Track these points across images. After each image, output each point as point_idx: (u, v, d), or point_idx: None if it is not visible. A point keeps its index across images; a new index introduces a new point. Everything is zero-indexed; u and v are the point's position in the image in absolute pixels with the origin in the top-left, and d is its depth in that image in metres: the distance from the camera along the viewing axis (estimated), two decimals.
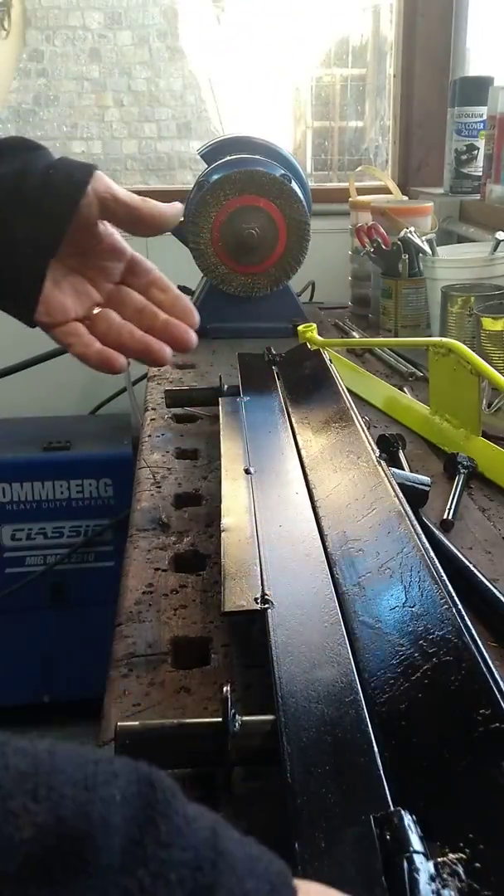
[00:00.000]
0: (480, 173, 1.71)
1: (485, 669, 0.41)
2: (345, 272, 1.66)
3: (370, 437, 0.74)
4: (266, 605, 0.54)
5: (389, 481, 0.64)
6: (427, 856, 0.31)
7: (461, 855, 0.32)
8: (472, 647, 0.43)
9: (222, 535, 0.64)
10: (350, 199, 1.67)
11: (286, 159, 1.45)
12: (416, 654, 0.45)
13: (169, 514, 0.78)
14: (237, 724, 0.43)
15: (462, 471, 0.83)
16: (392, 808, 0.35)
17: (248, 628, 0.58)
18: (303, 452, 0.77)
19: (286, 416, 0.86)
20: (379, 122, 2.33)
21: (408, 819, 0.33)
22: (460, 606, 0.47)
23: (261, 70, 2.27)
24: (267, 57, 2.26)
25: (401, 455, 0.86)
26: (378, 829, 0.34)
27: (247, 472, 0.75)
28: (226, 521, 0.66)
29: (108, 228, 0.59)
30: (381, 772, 0.38)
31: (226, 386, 0.99)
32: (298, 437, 0.81)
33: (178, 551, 0.71)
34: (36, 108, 4.03)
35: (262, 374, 1.01)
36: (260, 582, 0.56)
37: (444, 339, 0.94)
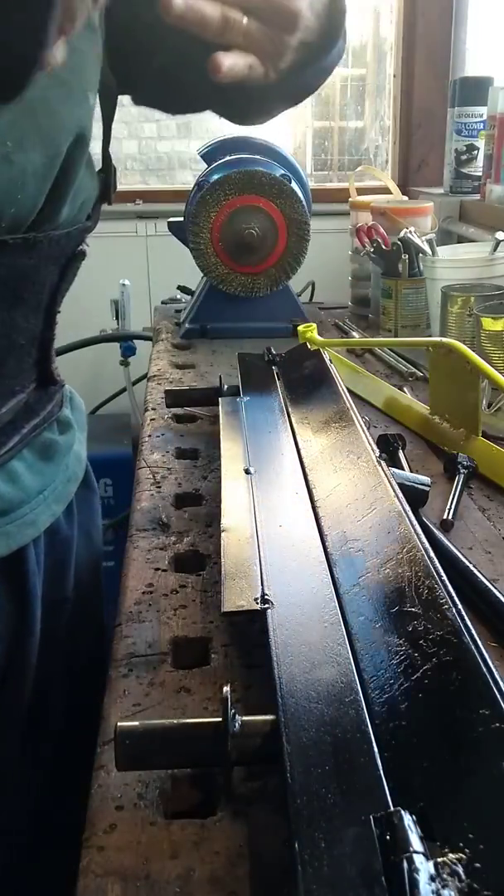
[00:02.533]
0: (480, 173, 1.71)
1: (485, 669, 0.41)
2: (345, 272, 1.66)
3: (370, 437, 0.74)
4: (266, 605, 0.54)
5: (389, 481, 0.64)
6: (427, 856, 0.31)
7: (461, 855, 0.32)
8: (472, 647, 0.43)
9: (222, 535, 0.64)
10: (350, 200, 1.67)
11: (286, 159, 1.45)
12: (416, 654, 0.45)
13: (169, 514, 0.78)
14: (237, 724, 0.43)
15: (462, 471, 0.83)
16: (392, 808, 0.35)
17: (248, 628, 0.58)
18: (303, 452, 0.77)
19: (286, 416, 0.86)
20: (379, 122, 2.33)
21: (408, 819, 0.33)
22: (460, 606, 0.47)
23: None
24: None
25: (401, 455, 0.86)
26: (378, 829, 0.34)
27: (247, 472, 0.75)
28: (226, 521, 0.66)
29: None
30: (381, 772, 0.38)
31: (226, 386, 0.99)
32: (298, 437, 0.81)
33: (178, 551, 0.71)
34: None
35: (262, 374, 1.01)
36: (260, 582, 0.56)
37: (444, 339, 0.94)
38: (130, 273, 2.15)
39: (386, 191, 1.81)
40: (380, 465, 0.67)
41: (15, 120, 0.52)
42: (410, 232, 1.34)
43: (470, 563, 0.66)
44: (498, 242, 1.24)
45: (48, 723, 0.72)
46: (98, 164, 0.69)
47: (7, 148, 0.51)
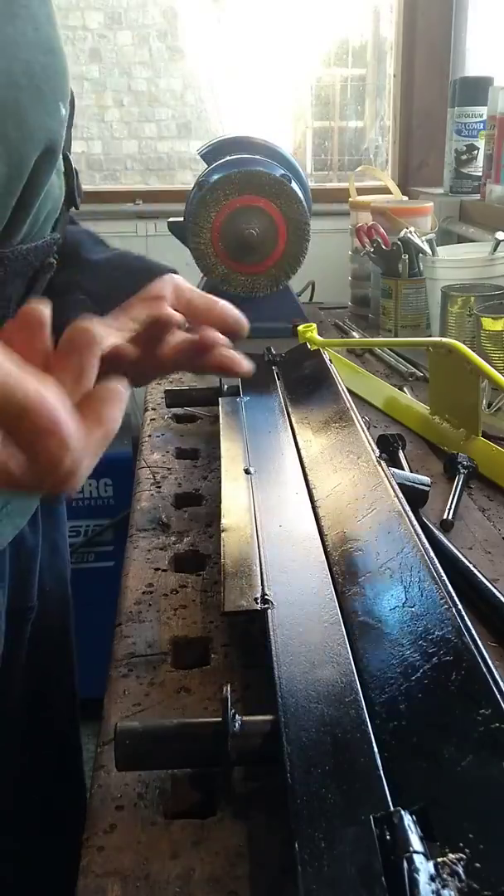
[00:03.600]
0: (480, 173, 1.71)
1: (485, 669, 0.41)
2: (345, 272, 1.66)
3: (370, 437, 0.74)
4: (266, 605, 0.54)
5: (389, 481, 0.64)
6: (427, 856, 0.31)
7: (461, 855, 0.32)
8: (472, 647, 0.43)
9: (222, 535, 0.64)
10: (350, 199, 1.67)
11: (286, 159, 1.45)
12: (416, 654, 0.45)
13: (169, 514, 0.78)
14: (237, 724, 0.43)
15: (462, 471, 0.83)
16: (392, 808, 0.35)
17: (248, 628, 0.58)
18: (303, 452, 0.77)
19: (286, 416, 0.86)
20: (379, 122, 2.33)
21: (408, 819, 0.33)
22: (460, 606, 0.47)
23: (261, 70, 2.27)
24: (267, 57, 2.26)
25: (401, 455, 0.86)
26: (378, 829, 0.34)
27: (247, 472, 0.75)
28: (226, 521, 0.66)
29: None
30: (381, 772, 0.38)
31: (226, 386, 0.99)
32: (298, 437, 0.81)
33: (178, 551, 0.71)
34: None
35: (262, 374, 1.01)
36: (260, 582, 0.56)
37: (444, 339, 0.94)
38: None
39: (386, 191, 1.81)
40: (380, 465, 0.67)
41: None
42: (410, 232, 1.34)
43: (470, 563, 0.66)
44: (498, 242, 1.24)
45: (6, 736, 0.71)
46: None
47: None
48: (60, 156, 0.57)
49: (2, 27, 0.48)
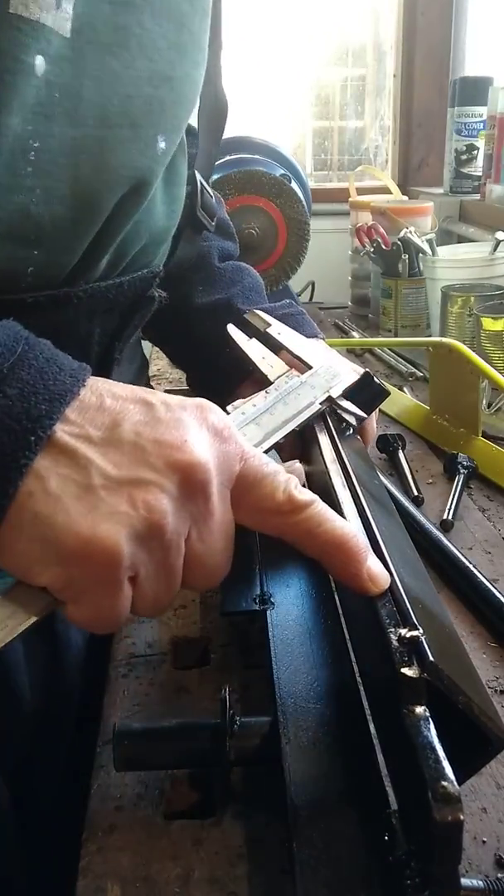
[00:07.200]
0: (480, 173, 1.71)
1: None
2: (345, 272, 1.66)
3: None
4: (265, 606, 0.53)
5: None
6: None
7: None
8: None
9: None
10: (350, 199, 1.67)
11: (286, 159, 1.45)
12: None
13: None
14: (236, 725, 0.43)
15: (462, 471, 0.83)
16: (391, 808, 0.35)
17: (248, 628, 0.58)
18: None
19: None
20: (379, 121, 2.33)
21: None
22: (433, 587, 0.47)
23: (261, 70, 2.27)
24: (267, 57, 2.26)
25: (401, 455, 0.86)
26: (376, 829, 0.34)
27: None
28: None
29: None
30: (381, 771, 0.38)
31: None
32: None
33: None
34: None
35: None
36: (260, 582, 0.56)
37: (444, 339, 0.94)
38: None
39: (386, 191, 1.81)
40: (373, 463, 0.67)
41: (51, 164, 0.43)
42: (410, 232, 1.34)
43: (470, 563, 0.66)
44: (498, 242, 1.24)
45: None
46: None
47: (32, 198, 0.43)
48: (151, 191, 0.51)
49: (104, 60, 0.44)
